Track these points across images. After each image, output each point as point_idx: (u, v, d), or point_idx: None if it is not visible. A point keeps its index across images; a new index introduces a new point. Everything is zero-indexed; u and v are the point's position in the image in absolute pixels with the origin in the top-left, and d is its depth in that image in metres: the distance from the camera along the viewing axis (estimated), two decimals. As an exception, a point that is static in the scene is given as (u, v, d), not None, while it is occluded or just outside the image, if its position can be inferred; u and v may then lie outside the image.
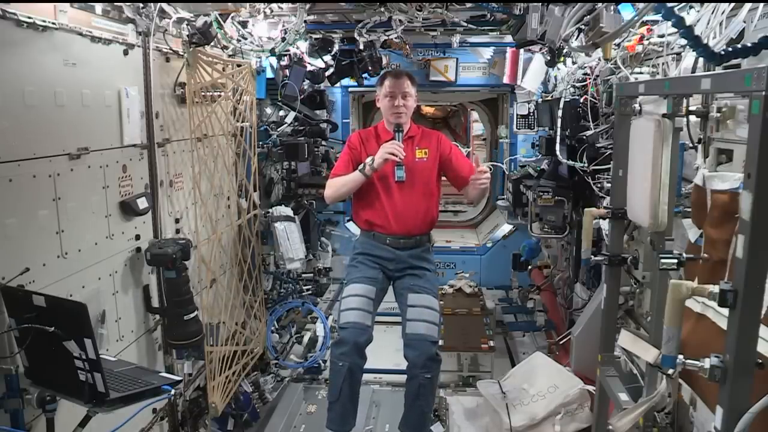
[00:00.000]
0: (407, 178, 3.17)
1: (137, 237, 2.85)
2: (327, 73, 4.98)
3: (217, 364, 3.41)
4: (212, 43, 3.30)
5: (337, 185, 3.26)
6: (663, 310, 1.58)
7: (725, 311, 1.37)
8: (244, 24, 3.59)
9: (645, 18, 2.40)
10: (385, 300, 3.37)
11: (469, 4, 3.53)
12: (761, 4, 1.79)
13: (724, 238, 1.73)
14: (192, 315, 2.93)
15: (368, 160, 3.14)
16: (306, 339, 4.77)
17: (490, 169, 3.13)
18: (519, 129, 5.36)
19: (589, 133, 3.50)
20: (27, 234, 2.09)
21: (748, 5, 1.83)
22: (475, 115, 9.20)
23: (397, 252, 3.29)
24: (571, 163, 3.79)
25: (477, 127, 9.78)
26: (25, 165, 2.08)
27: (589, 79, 3.67)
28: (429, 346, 3.06)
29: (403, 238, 3.29)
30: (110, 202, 2.62)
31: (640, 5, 2.21)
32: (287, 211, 4.61)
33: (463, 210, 8.71)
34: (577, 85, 3.99)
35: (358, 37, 4.15)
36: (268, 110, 4.73)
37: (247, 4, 3.24)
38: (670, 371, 1.54)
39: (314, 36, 4.60)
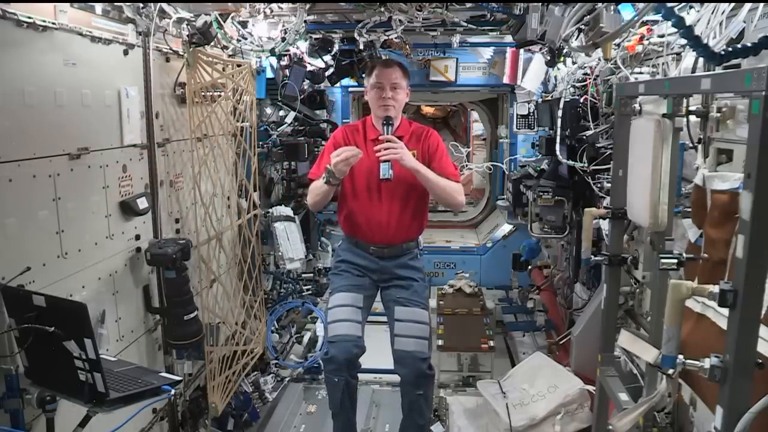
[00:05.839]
0: (393, 183, 2.85)
1: (137, 237, 2.85)
2: (327, 73, 4.98)
3: (217, 364, 3.41)
4: (212, 43, 3.30)
5: (314, 192, 2.95)
6: (663, 310, 1.58)
7: (725, 311, 1.37)
8: (244, 24, 3.59)
9: (645, 18, 2.40)
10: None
11: (469, 4, 3.53)
12: (761, 4, 1.79)
13: (724, 238, 1.73)
14: (192, 315, 2.94)
15: (329, 166, 2.77)
16: (306, 339, 4.78)
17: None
18: (519, 129, 5.37)
19: (589, 133, 3.50)
20: (27, 234, 2.09)
21: (748, 5, 1.83)
22: (475, 115, 9.19)
23: (382, 262, 3.07)
24: (571, 163, 3.79)
25: (477, 127, 9.75)
26: (25, 165, 2.08)
27: (589, 79, 3.67)
28: (419, 363, 2.89)
29: (388, 247, 3.06)
30: (110, 202, 2.62)
31: (640, 5, 2.21)
32: (287, 211, 4.62)
33: (463, 210, 8.69)
34: (577, 85, 3.98)
35: (358, 37, 4.15)
36: (268, 110, 4.74)
37: (247, 4, 3.24)
38: (670, 371, 1.55)
39: (314, 36, 4.60)
